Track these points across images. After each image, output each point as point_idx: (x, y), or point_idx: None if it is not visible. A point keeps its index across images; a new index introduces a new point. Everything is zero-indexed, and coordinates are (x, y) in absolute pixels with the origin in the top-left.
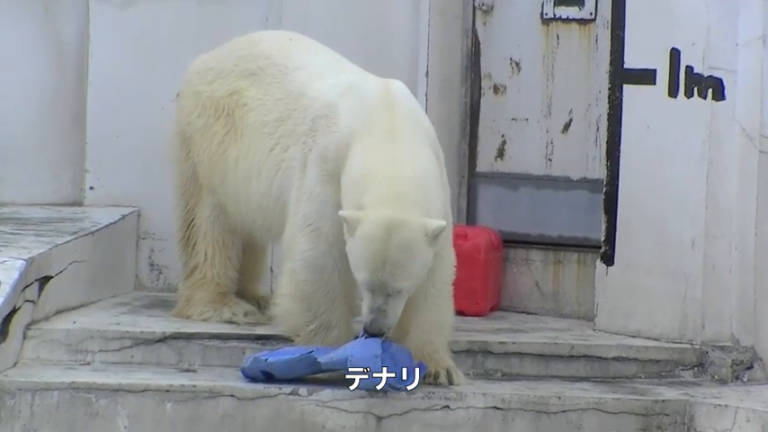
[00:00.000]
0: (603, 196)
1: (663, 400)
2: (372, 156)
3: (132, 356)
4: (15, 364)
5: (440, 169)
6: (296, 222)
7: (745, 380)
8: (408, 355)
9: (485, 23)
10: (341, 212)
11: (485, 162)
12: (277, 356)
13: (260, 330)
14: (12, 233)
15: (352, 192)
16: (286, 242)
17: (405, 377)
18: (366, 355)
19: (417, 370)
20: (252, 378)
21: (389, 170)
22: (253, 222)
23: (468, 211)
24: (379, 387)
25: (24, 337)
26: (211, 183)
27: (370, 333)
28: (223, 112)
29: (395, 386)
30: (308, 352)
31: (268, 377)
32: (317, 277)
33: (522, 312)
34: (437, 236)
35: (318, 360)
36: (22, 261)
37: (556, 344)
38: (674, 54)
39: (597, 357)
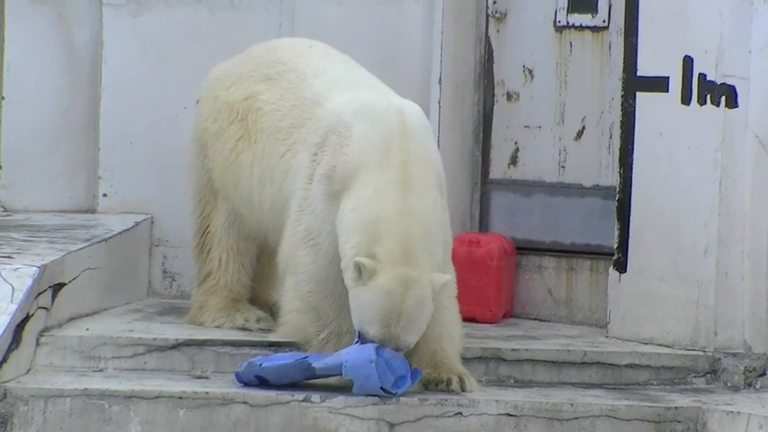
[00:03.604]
0: (616, 203)
1: (675, 407)
2: (385, 202)
3: (145, 363)
4: (28, 370)
5: (442, 204)
6: (297, 234)
7: (757, 387)
8: (403, 361)
9: (498, 30)
10: (357, 258)
11: (498, 169)
12: (271, 361)
13: (273, 337)
14: (25, 240)
15: (358, 233)
16: (285, 254)
17: (399, 382)
18: (360, 360)
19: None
20: (246, 383)
21: (402, 224)
22: (267, 225)
23: (480, 218)
24: (372, 392)
25: (37, 344)
26: (225, 188)
27: None
28: (237, 116)
29: (389, 391)
30: (302, 357)
31: (262, 382)
32: (321, 287)
33: (535, 319)
34: (441, 290)
35: (313, 365)
36: (35, 268)
37: (568, 351)
38: (687, 61)
39: (610, 364)
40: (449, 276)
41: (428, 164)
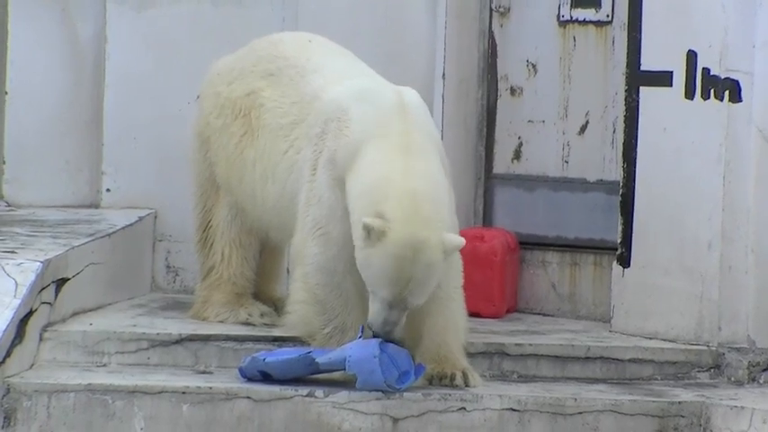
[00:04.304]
0: (620, 198)
1: (679, 402)
2: (387, 164)
3: (149, 358)
4: (32, 365)
5: (447, 184)
6: (306, 226)
7: (761, 381)
8: (406, 356)
9: (501, 25)
10: (364, 219)
11: (501, 164)
12: (275, 356)
13: (276, 332)
14: (28, 235)
15: (365, 197)
16: (296, 246)
17: (402, 377)
18: (364, 355)
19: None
20: (249, 378)
21: (407, 183)
22: (269, 222)
23: (484, 213)
24: (376, 387)
25: (41, 339)
26: (228, 183)
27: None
28: (240, 112)
29: (393, 386)
30: (306, 352)
31: (266, 377)
32: (328, 280)
33: (539, 314)
34: (452, 251)
35: (317, 360)
36: (38, 263)
37: (572, 345)
38: (691, 56)
39: (613, 359)
40: (462, 240)
41: (429, 136)
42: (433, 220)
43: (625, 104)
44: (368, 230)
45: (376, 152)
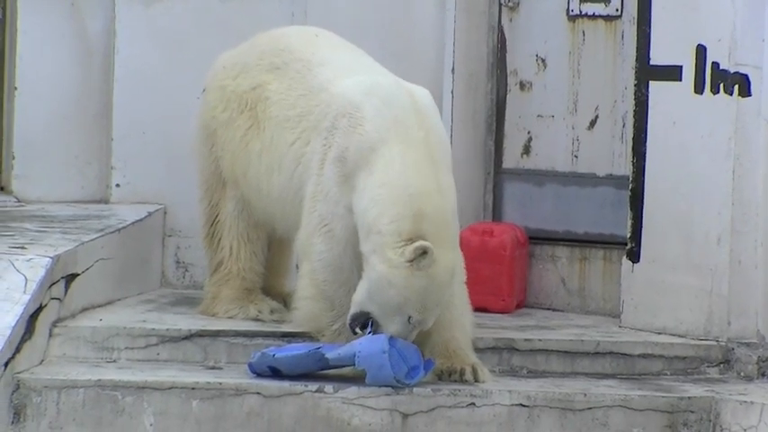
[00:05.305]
0: (629, 193)
1: (688, 397)
2: (420, 178)
3: (158, 354)
4: (42, 361)
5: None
6: (312, 221)
7: None
8: (416, 351)
9: (511, 20)
10: (424, 243)
11: (511, 158)
12: (284, 352)
13: (286, 328)
14: (38, 231)
15: (399, 207)
16: (302, 241)
17: (412, 372)
18: (373, 350)
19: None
20: (258, 374)
21: (440, 201)
22: (274, 214)
23: (494, 208)
24: (385, 383)
25: (50, 335)
26: (234, 176)
27: None
28: (246, 105)
29: (402, 381)
30: (315, 348)
31: (275, 372)
32: (336, 277)
33: (548, 309)
34: None
35: (326, 356)
36: (48, 258)
37: (582, 341)
38: (700, 50)
39: (623, 354)
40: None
41: (445, 144)
42: (457, 243)
43: (634, 99)
44: (420, 253)
45: (401, 159)
